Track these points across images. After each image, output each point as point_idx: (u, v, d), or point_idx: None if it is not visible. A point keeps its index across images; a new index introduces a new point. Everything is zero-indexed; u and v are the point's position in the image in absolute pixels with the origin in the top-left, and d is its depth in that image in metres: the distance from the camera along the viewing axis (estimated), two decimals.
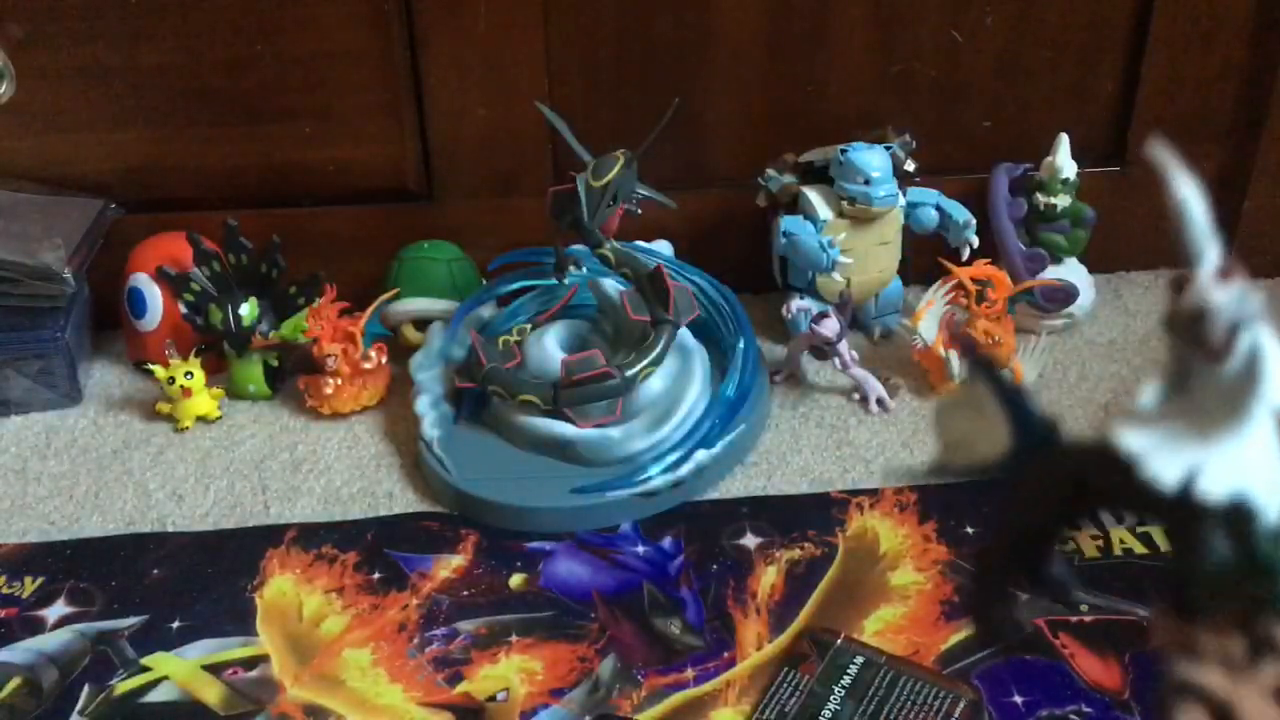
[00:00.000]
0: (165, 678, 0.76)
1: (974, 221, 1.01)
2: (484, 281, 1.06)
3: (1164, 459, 0.16)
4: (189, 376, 0.98)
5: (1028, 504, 0.19)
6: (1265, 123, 1.06)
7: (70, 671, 0.77)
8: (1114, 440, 0.17)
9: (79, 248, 1.01)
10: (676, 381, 0.93)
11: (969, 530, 0.85)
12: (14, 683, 0.76)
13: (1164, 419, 0.17)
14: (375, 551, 0.86)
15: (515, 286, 1.02)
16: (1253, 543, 0.16)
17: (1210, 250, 0.17)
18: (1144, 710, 0.71)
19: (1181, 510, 0.17)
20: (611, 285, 0.96)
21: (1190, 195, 0.18)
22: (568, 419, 0.90)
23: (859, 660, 0.73)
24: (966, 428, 0.19)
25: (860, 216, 0.99)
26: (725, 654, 0.76)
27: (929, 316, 0.98)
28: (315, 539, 0.87)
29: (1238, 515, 0.16)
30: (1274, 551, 0.16)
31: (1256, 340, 0.16)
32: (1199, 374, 0.17)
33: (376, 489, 0.92)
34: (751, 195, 1.05)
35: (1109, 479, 0.17)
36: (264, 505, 0.91)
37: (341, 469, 0.94)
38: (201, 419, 1.00)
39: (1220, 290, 0.17)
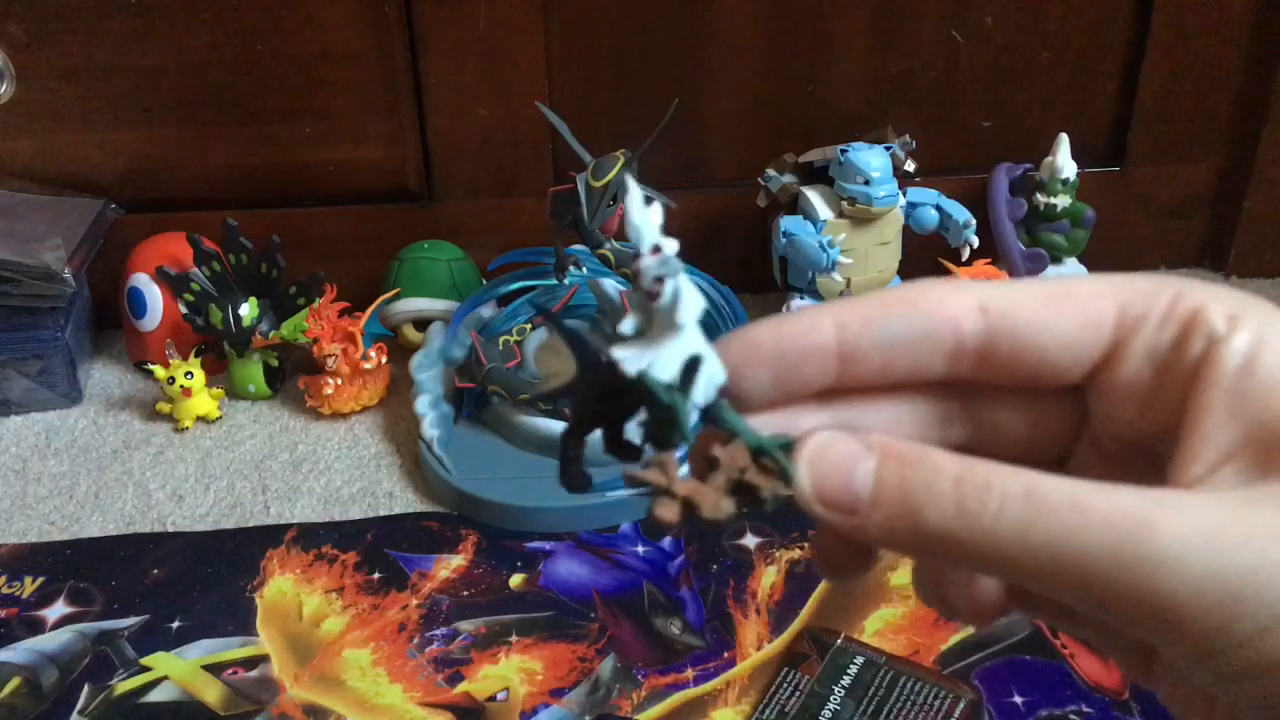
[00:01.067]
0: (165, 678, 0.76)
1: (974, 221, 1.01)
2: (484, 281, 1.06)
3: (631, 361, 0.28)
4: (189, 376, 0.98)
5: (581, 400, 0.30)
6: (1265, 122, 1.06)
7: (70, 671, 0.77)
8: (609, 354, 0.28)
9: (79, 248, 1.01)
10: None
11: None
12: (14, 683, 0.76)
13: (638, 341, 0.28)
14: (375, 551, 0.85)
15: (515, 286, 1.02)
16: (660, 394, 0.28)
17: (645, 238, 0.28)
18: (1144, 710, 0.71)
19: (643, 389, 0.28)
20: (611, 285, 0.96)
21: (639, 209, 0.29)
22: (568, 419, 0.90)
23: (859, 660, 0.73)
24: (555, 364, 0.29)
25: (860, 217, 0.99)
26: (725, 654, 0.76)
27: None
28: (315, 539, 0.87)
29: (666, 384, 0.28)
30: (672, 399, 0.28)
31: (677, 284, 0.28)
32: (650, 309, 0.28)
33: (376, 489, 0.92)
34: (751, 195, 1.05)
35: (612, 375, 0.28)
36: (264, 505, 0.91)
37: (341, 469, 0.94)
38: (201, 419, 1.00)
39: (649, 259, 0.28)
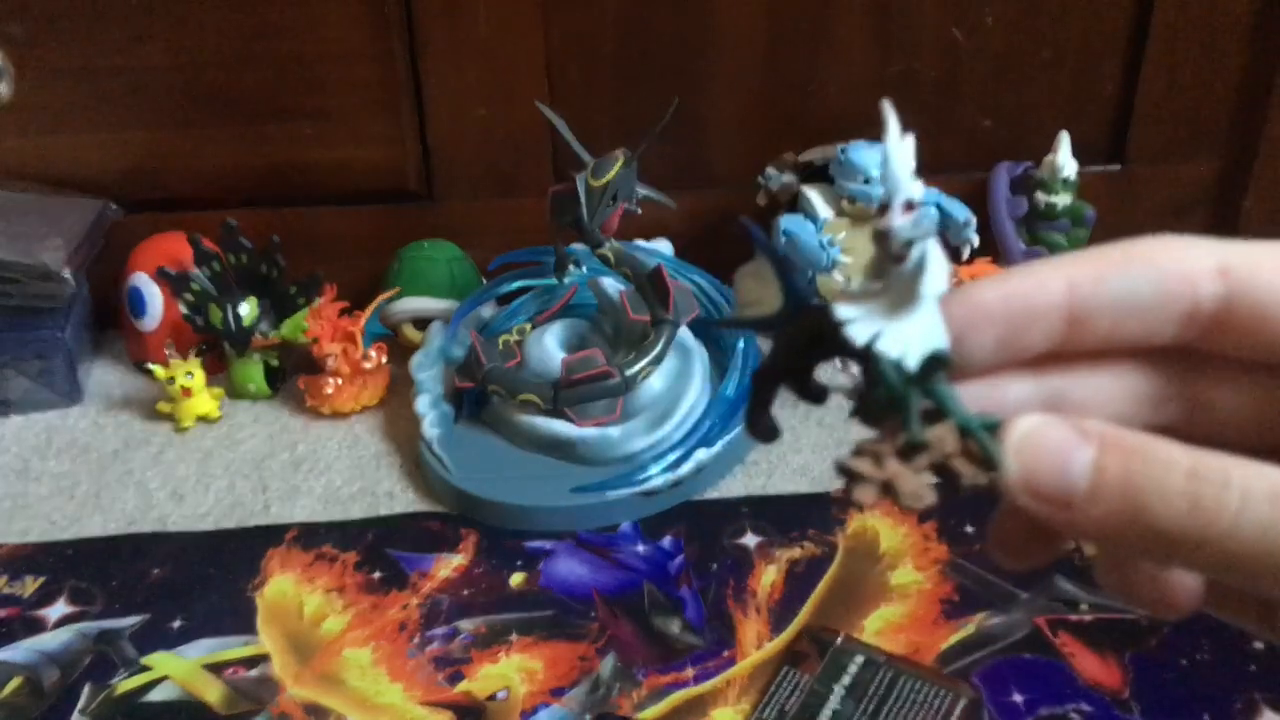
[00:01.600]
0: (166, 677, 0.76)
1: (974, 220, 1.01)
2: (484, 281, 1.06)
3: (859, 326, 0.26)
4: (189, 376, 0.98)
5: (785, 345, 0.28)
6: (1265, 121, 1.06)
7: (71, 671, 0.77)
8: (833, 310, 0.26)
9: (79, 248, 1.01)
10: (676, 381, 0.93)
11: (969, 529, 0.85)
12: (15, 682, 0.76)
13: (868, 299, 0.26)
14: (375, 551, 0.86)
15: (515, 286, 1.02)
16: (891, 381, 0.26)
17: (901, 189, 0.25)
18: (1144, 709, 0.71)
19: (868, 359, 0.26)
20: (611, 285, 0.96)
21: (897, 146, 0.26)
22: (568, 418, 0.90)
23: (859, 660, 0.73)
24: (756, 291, 0.28)
25: (860, 215, 0.99)
26: (725, 653, 0.76)
27: None
28: (316, 538, 0.87)
29: (897, 365, 0.26)
30: (906, 391, 0.26)
31: (925, 251, 0.25)
32: (890, 272, 0.25)
33: (377, 489, 0.92)
34: (751, 194, 1.05)
35: (832, 334, 0.26)
36: (264, 505, 0.91)
37: (342, 469, 0.94)
38: (202, 419, 1.00)
39: (901, 218, 0.25)
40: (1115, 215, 1.08)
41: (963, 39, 1.04)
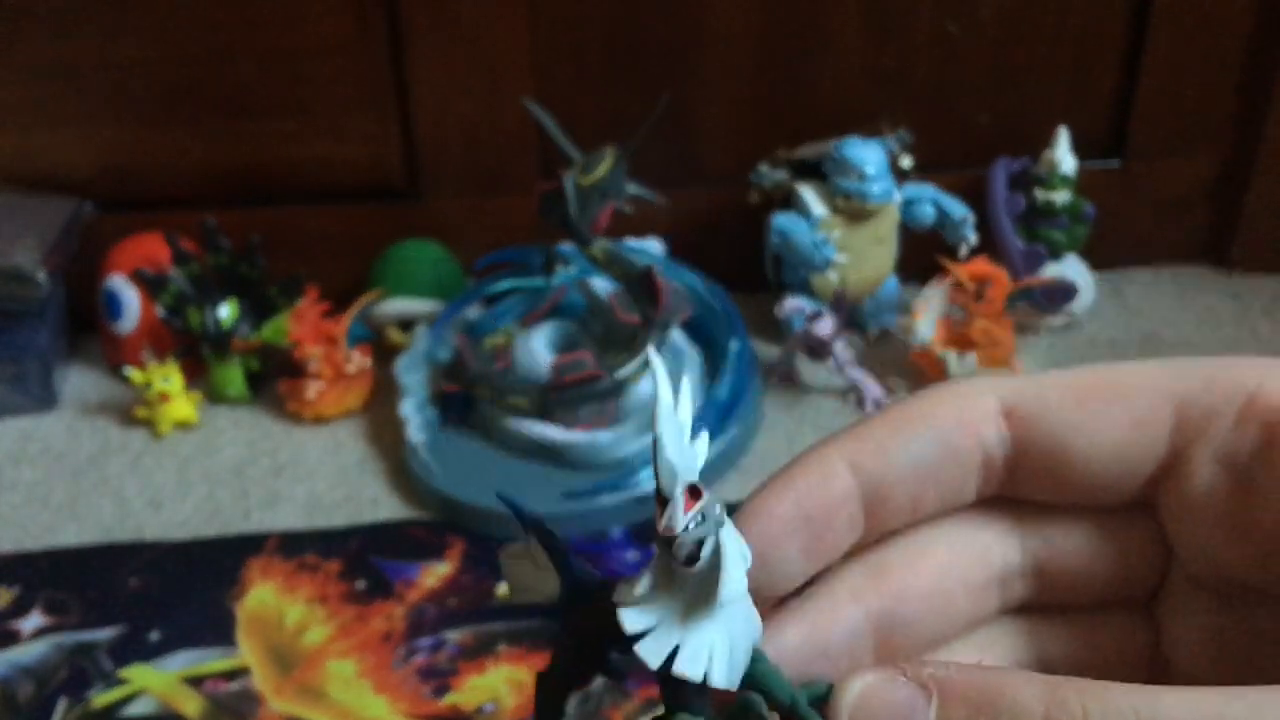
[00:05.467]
0: (144, 691, 0.75)
1: (972, 217, 1.00)
2: (470, 281, 1.05)
3: (653, 643, 0.21)
4: (167, 381, 0.96)
5: (573, 638, 0.24)
6: (1268, 115, 1.05)
7: (46, 684, 0.75)
8: (621, 618, 0.21)
9: (54, 249, 0.99)
10: None
11: None
12: None
13: (659, 603, 0.21)
14: (359, 559, 0.84)
15: (503, 287, 1.01)
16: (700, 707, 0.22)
17: (680, 475, 0.21)
18: None
19: (666, 680, 0.22)
20: (601, 285, 0.95)
21: (669, 417, 0.21)
22: (557, 422, 0.89)
23: None
24: (528, 576, 0.24)
25: (855, 213, 0.98)
26: None
27: (927, 315, 0.97)
28: (298, 547, 0.85)
29: (702, 688, 0.22)
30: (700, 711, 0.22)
31: (717, 546, 0.21)
32: (682, 575, 0.21)
33: (361, 495, 0.90)
34: (744, 192, 1.04)
35: (620, 645, 0.22)
36: (245, 513, 0.89)
37: (325, 475, 0.93)
38: (180, 425, 0.98)
39: (684, 517, 0.20)
40: (1115, 211, 1.07)
41: (957, 32, 1.03)
